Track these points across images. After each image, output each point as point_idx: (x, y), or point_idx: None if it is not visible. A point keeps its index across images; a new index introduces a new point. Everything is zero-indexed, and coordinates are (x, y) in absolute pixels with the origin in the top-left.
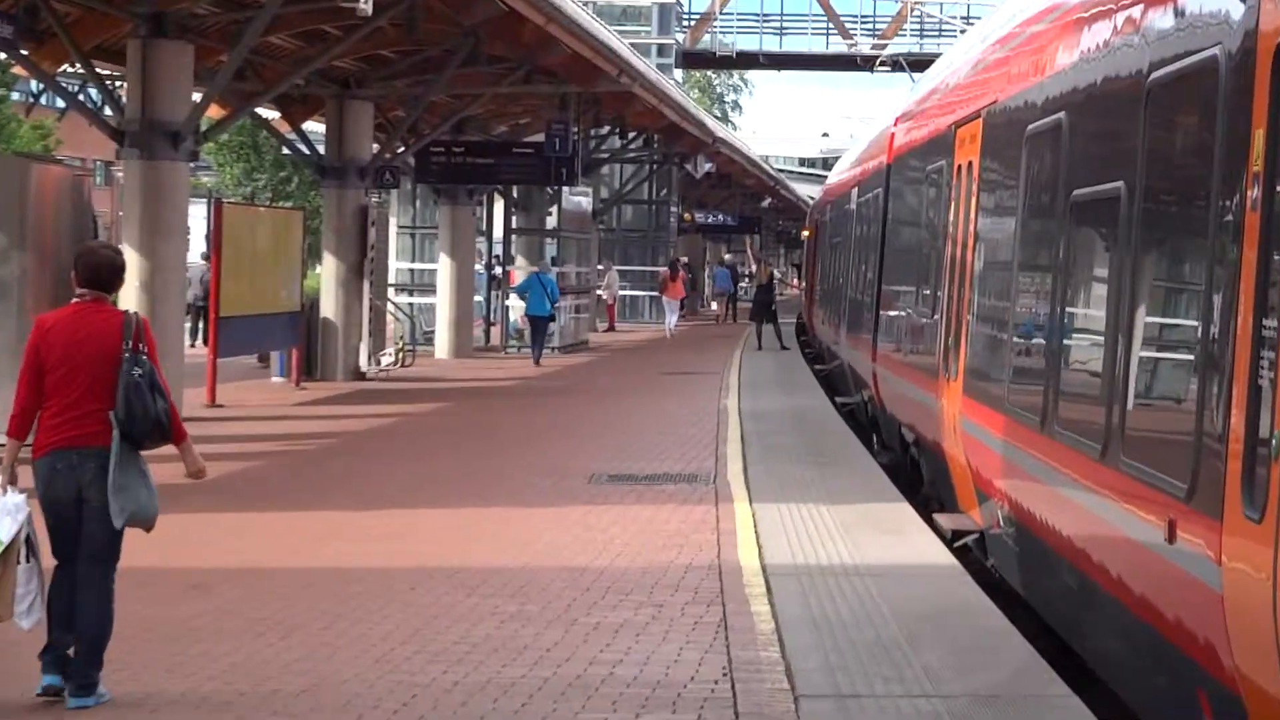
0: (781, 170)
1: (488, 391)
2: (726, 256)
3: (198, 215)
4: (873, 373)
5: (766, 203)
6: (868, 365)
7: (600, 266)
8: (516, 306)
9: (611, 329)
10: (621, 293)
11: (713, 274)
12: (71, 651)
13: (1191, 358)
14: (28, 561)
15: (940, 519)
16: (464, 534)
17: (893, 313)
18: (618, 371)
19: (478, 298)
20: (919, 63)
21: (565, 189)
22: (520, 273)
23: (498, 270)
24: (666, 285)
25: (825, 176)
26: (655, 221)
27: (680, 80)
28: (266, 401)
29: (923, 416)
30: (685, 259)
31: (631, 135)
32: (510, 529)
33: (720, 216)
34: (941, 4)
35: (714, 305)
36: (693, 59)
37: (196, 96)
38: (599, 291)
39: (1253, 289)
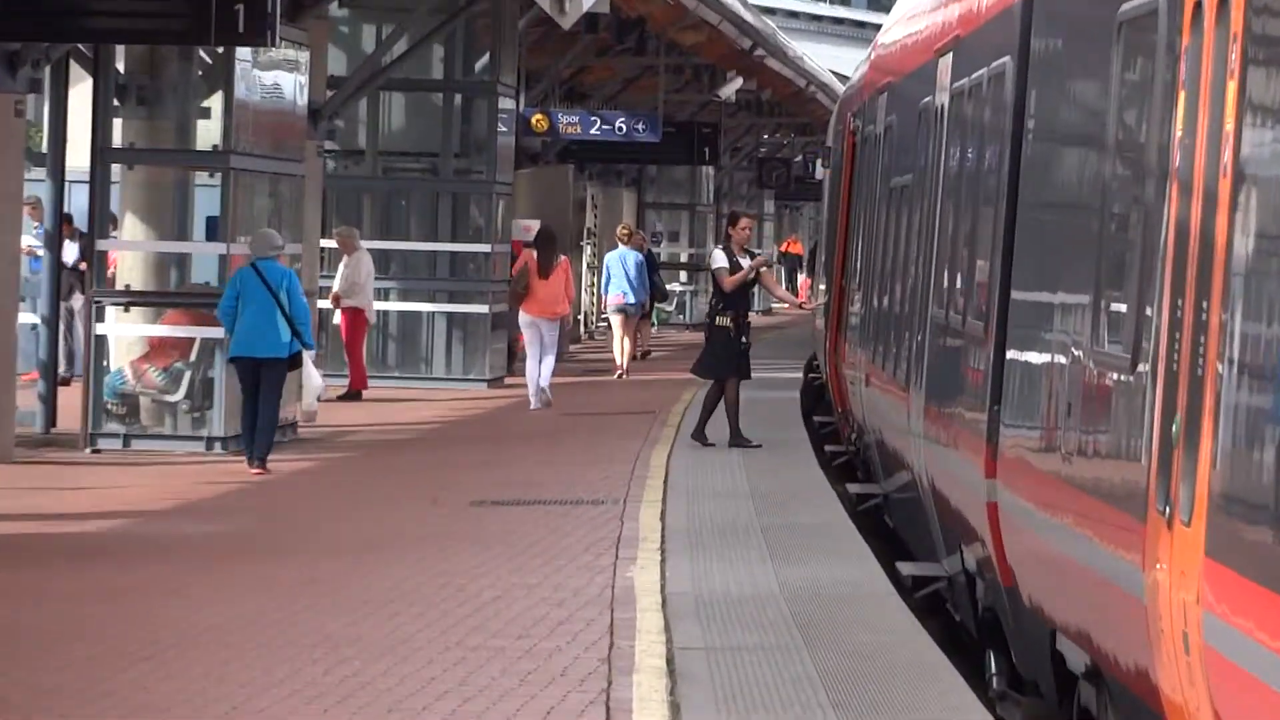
0: (769, 11)
1: (52, 548)
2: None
3: None
4: (989, 505)
5: (731, 90)
6: (977, 484)
7: (329, 242)
8: (122, 337)
9: (355, 393)
10: (383, 305)
11: (601, 264)
12: None
13: None
14: None
15: None
16: None
17: (1036, 357)
18: (368, 498)
19: (30, 316)
20: None
21: (243, 55)
22: (132, 260)
23: (70, 252)
24: (531, 287)
25: (873, 30)
26: (462, 136)
27: None
28: None
29: (1109, 612)
30: (532, 226)
31: None
32: None
33: (622, 124)
34: None
35: (622, 333)
36: None
37: None
38: (325, 303)
39: None
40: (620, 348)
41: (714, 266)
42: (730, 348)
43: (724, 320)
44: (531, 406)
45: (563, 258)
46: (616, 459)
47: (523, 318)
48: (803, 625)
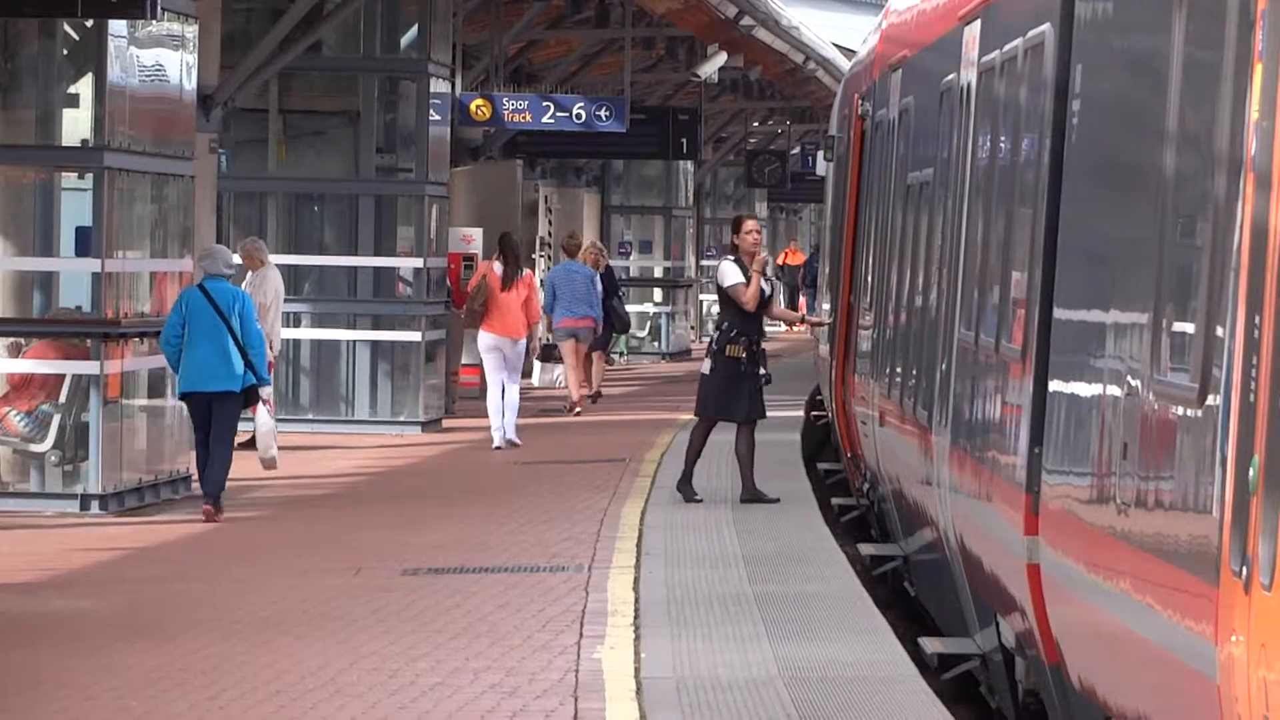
0: None
1: None
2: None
3: None
4: (1030, 568)
5: (712, 69)
6: (1015, 543)
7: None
8: None
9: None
10: (293, 333)
11: (547, 277)
12: None
13: None
14: None
15: None
16: None
17: (1085, 389)
18: (278, 567)
19: None
20: None
21: (118, 30)
22: None
23: None
24: (492, 302)
25: None
26: (386, 127)
27: None
28: None
29: (1174, 694)
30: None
31: None
32: None
33: (581, 111)
34: None
35: (574, 361)
36: None
37: None
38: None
39: None
40: (575, 378)
41: (726, 284)
42: (738, 381)
43: (735, 349)
44: (494, 445)
45: (526, 271)
46: (580, 517)
47: (483, 339)
48: (807, 715)
